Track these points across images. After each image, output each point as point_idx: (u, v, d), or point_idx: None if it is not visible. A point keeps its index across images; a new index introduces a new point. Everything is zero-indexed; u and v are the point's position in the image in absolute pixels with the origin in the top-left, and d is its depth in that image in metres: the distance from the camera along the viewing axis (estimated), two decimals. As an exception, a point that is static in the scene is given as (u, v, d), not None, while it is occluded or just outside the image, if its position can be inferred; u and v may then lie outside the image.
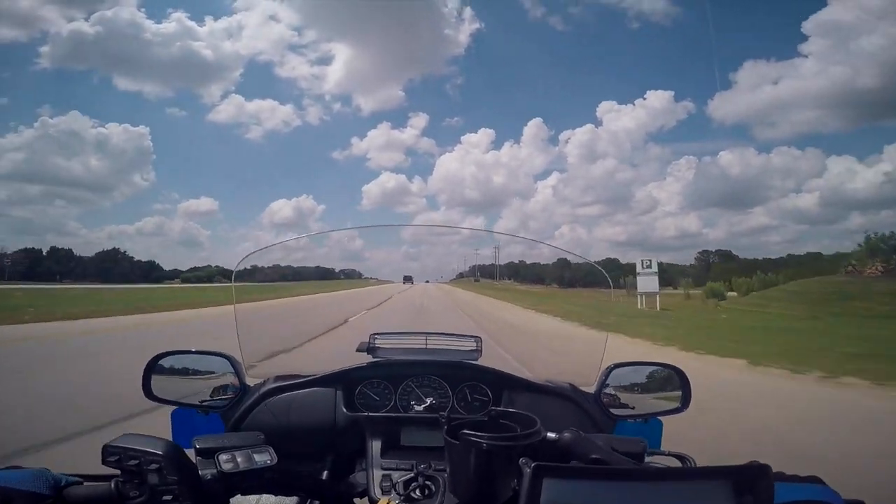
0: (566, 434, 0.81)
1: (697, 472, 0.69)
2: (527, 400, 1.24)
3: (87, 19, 55.63)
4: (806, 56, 48.64)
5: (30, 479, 0.63)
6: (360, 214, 71.43)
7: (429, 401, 1.23)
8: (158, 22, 60.21)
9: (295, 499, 1.06)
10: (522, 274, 63.08)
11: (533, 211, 69.48)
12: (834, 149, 64.01)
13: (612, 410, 1.26)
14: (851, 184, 50.49)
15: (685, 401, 1.26)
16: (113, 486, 0.67)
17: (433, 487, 0.94)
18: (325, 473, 1.12)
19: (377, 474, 1.04)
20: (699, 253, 55.33)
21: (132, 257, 64.92)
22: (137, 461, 0.67)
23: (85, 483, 0.68)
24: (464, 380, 1.28)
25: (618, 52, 65.21)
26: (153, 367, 1.16)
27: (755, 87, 51.46)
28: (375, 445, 1.12)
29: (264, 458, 0.81)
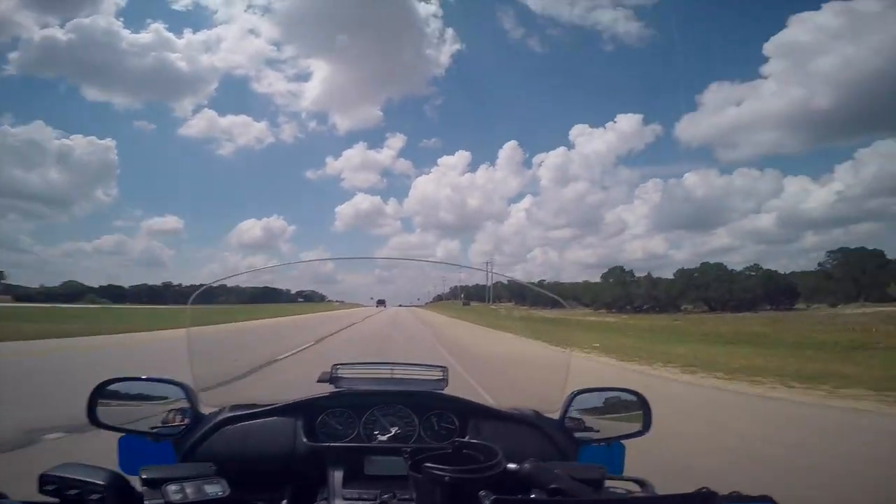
0: (526, 465, 0.82)
1: (647, 501, 0.71)
2: (493, 428, 1.25)
3: (62, 26, 54.40)
4: (766, 77, 52.00)
5: None
6: (332, 236, 70.75)
7: (393, 430, 1.23)
8: (136, 32, 59.67)
9: None
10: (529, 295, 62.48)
11: (506, 234, 70.81)
12: (790, 169, 69.51)
13: (577, 435, 1.28)
14: (805, 203, 54.08)
15: (646, 424, 1.29)
16: None
17: None
18: (283, 503, 1.09)
19: None
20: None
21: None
22: (78, 490, 0.64)
23: None
24: (431, 409, 1.29)
25: (591, 74, 68.70)
26: (100, 393, 1.11)
27: (719, 109, 54.71)
28: (337, 475, 1.09)
29: (215, 489, 0.78)
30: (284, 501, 1.09)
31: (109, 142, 60.99)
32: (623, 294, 49.86)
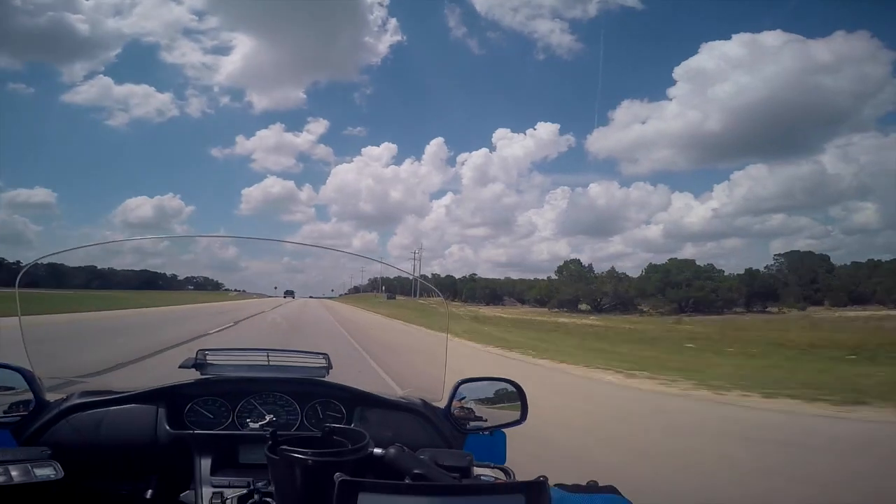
0: (391, 450, 0.84)
1: (495, 487, 0.76)
2: (380, 416, 1.26)
3: None
4: (671, 99, 54.80)
5: None
6: (236, 219, 65.18)
7: (269, 418, 1.22)
8: None
9: None
10: (463, 290, 62.20)
11: (426, 229, 70.66)
12: (678, 186, 74.40)
13: (466, 423, 1.31)
14: (688, 218, 58.06)
15: (523, 414, 1.33)
16: None
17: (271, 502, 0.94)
18: (149, 493, 1.07)
19: (206, 492, 1.02)
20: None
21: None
22: None
23: None
24: (315, 396, 1.28)
25: (521, 80, 69.86)
26: None
27: (627, 126, 56.91)
28: (205, 463, 1.09)
29: (46, 472, 0.76)
30: (150, 490, 1.07)
31: None
32: (586, 291, 49.49)
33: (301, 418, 1.26)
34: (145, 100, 60.01)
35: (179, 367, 1.28)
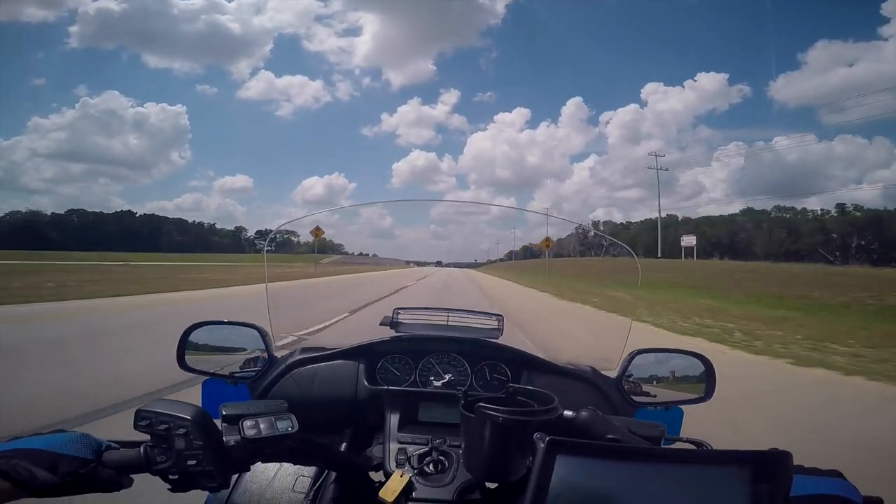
0: (583, 413, 0.80)
1: (715, 455, 0.66)
2: (546, 381, 1.23)
3: None
4: (886, 39, 44.27)
5: (74, 442, 0.66)
6: (390, 192, 71.99)
7: (447, 377, 1.24)
8: None
9: (313, 469, 1.09)
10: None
11: (567, 193, 67.59)
12: None
13: (634, 397, 1.24)
14: None
15: (709, 390, 1.22)
16: (142, 451, 0.70)
17: (447, 462, 0.96)
18: (343, 445, 1.15)
19: (393, 447, 1.06)
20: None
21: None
22: (167, 426, 0.70)
23: (121, 449, 0.70)
24: (483, 358, 1.29)
25: (672, 24, 60.78)
26: (187, 338, 1.21)
27: (826, 70, 47.65)
28: (393, 419, 1.13)
29: (286, 425, 0.81)
30: (344, 443, 1.15)
31: (180, 108, 65.31)
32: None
33: (471, 379, 1.27)
34: (302, 89, 67.23)
35: (380, 324, 1.34)
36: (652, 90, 56.35)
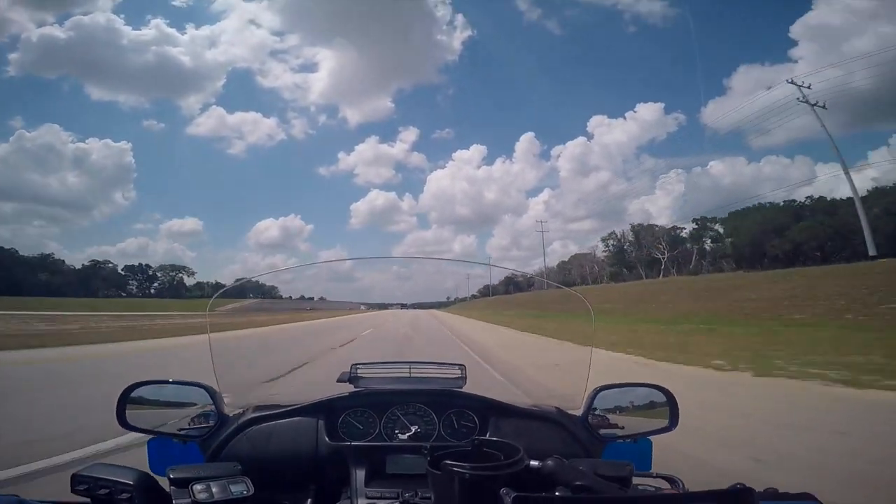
0: (549, 462, 0.81)
1: (682, 497, 0.69)
2: (514, 425, 1.24)
3: (60, 24, 54.70)
4: (795, 61, 48.33)
5: None
6: (348, 234, 70.89)
7: (414, 429, 1.23)
8: (136, 28, 59.87)
9: None
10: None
11: (525, 228, 69.82)
12: (822, 156, 64.12)
13: (601, 432, 1.26)
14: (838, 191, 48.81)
15: (673, 420, 1.26)
16: None
17: None
18: (308, 503, 1.10)
19: (362, 503, 1.03)
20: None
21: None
22: (108, 490, 0.66)
23: None
24: (450, 407, 1.28)
25: (611, 59, 65.28)
26: (127, 396, 1.14)
27: (749, 94, 50.73)
28: (359, 474, 1.10)
29: (240, 488, 0.80)
30: (309, 501, 1.10)
31: (125, 144, 62.24)
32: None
33: (438, 428, 1.26)
34: (255, 126, 65.97)
35: (337, 381, 1.32)
36: (597, 122, 60.86)
